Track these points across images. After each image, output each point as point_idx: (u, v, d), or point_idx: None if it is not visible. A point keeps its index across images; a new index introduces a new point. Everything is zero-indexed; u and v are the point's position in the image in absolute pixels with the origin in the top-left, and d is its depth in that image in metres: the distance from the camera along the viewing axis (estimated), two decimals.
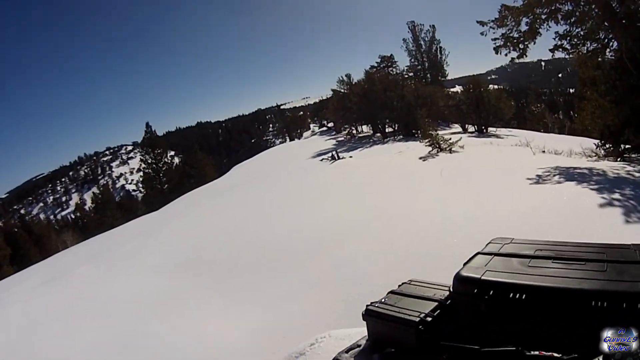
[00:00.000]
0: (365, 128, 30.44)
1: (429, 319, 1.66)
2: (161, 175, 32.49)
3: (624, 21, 9.04)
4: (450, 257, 2.51)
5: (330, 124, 36.38)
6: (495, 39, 10.92)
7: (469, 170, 10.30)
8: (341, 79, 31.14)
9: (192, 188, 22.82)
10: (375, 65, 32.97)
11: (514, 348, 1.39)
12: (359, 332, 2.12)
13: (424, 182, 9.73)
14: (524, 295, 1.45)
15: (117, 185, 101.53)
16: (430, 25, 38.80)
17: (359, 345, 1.89)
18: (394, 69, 31.93)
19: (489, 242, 1.87)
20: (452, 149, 13.98)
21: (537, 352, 1.39)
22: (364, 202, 8.66)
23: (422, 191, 8.86)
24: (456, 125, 25.38)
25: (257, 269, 6.38)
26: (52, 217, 74.83)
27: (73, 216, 40.99)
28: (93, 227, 28.52)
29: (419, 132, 17.61)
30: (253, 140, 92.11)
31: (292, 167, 17.59)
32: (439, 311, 1.71)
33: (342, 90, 30.81)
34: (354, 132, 29.81)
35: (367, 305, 1.87)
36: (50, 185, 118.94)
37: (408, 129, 22.66)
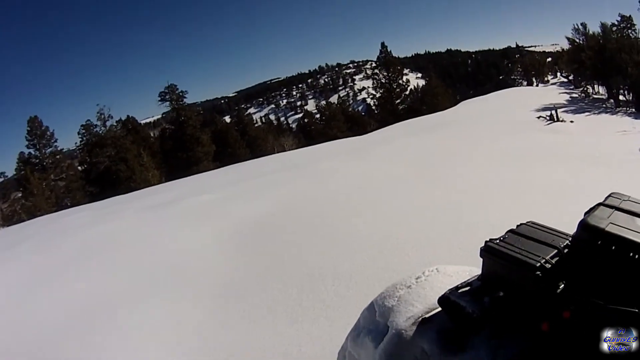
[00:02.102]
0: (601, 90, 25.70)
1: (549, 265, 1.51)
2: (393, 96, 31.47)
3: None
4: None
5: (571, 77, 31.72)
6: None
7: None
8: (576, 27, 25.93)
9: (423, 114, 22.18)
10: (616, 23, 26.42)
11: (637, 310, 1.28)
12: (467, 271, 2.01)
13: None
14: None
15: (359, 98, 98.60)
16: None
17: (470, 285, 1.74)
18: (633, 32, 25.12)
19: (609, 196, 1.69)
20: None
21: None
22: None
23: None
24: None
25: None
26: (283, 119, 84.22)
27: (301, 122, 42.41)
28: (316, 135, 30.56)
29: None
30: (501, 77, 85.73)
31: (497, 121, 15.03)
32: (557, 259, 1.56)
33: (577, 41, 26.19)
34: (589, 91, 25.62)
35: (486, 241, 1.70)
36: (285, 90, 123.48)
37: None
